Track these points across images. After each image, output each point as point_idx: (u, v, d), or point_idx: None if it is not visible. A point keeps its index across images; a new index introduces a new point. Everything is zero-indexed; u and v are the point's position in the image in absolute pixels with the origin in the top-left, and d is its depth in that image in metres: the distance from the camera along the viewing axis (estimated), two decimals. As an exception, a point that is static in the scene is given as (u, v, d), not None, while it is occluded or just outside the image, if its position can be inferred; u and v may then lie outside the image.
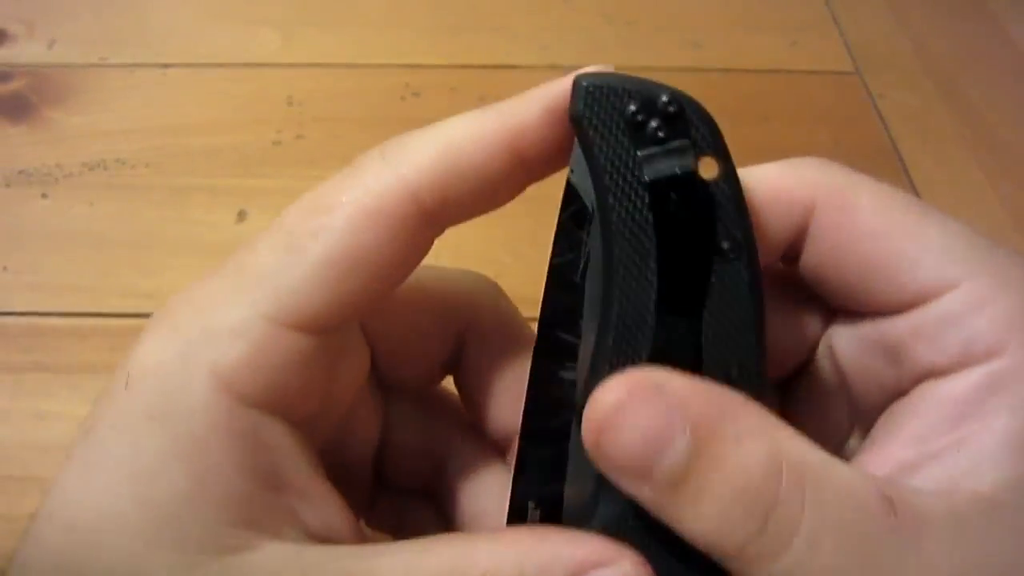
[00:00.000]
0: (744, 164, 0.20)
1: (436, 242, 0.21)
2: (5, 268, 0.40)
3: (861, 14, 0.57)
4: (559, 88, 0.19)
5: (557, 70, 0.50)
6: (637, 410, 0.16)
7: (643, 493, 0.16)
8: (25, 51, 0.51)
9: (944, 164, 0.47)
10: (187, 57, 0.51)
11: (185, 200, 0.43)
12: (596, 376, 0.17)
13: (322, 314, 0.18)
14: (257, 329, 0.18)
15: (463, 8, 0.55)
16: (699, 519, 0.16)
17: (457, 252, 0.42)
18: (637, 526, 0.17)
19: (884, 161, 0.47)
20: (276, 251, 0.18)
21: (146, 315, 0.38)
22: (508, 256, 0.41)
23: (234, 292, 0.18)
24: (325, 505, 0.19)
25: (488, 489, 0.23)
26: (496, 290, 0.24)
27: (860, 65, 0.53)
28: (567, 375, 0.19)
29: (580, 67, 0.20)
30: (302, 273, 0.18)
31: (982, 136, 0.49)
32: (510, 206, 0.44)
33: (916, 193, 0.45)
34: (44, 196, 0.43)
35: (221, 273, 0.19)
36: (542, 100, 0.19)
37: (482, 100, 0.49)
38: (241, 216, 0.43)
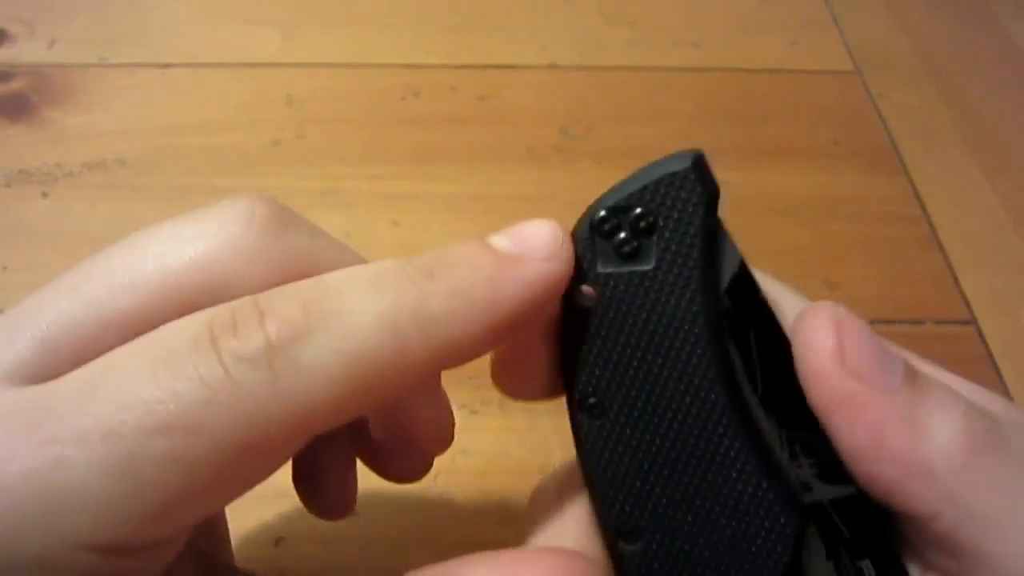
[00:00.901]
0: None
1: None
2: (5, 268, 0.40)
3: (861, 14, 0.57)
4: (504, 302, 0.16)
5: (557, 70, 0.50)
6: (853, 330, 0.16)
7: (890, 404, 0.16)
8: (25, 51, 0.51)
9: (944, 164, 0.47)
10: (187, 57, 0.51)
11: (185, 200, 0.43)
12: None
13: (156, 541, 0.15)
14: (75, 561, 0.14)
15: (463, 8, 0.55)
16: (947, 417, 0.16)
17: (457, 252, 0.42)
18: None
19: (884, 161, 0.47)
20: (98, 470, 0.14)
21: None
22: (508, 256, 0.40)
23: (37, 518, 0.14)
24: None
25: None
26: None
27: (860, 65, 0.53)
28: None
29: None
30: (135, 509, 0.14)
31: (982, 136, 0.49)
32: (510, 206, 0.44)
33: (916, 193, 0.45)
34: (44, 196, 0.43)
35: (10, 491, 0.14)
36: (484, 317, 0.15)
37: (482, 100, 0.50)
38: (241, 216, 0.43)
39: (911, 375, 0.16)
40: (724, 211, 0.18)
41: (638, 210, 0.17)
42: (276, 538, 0.30)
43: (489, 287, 0.15)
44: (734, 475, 0.17)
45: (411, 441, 0.21)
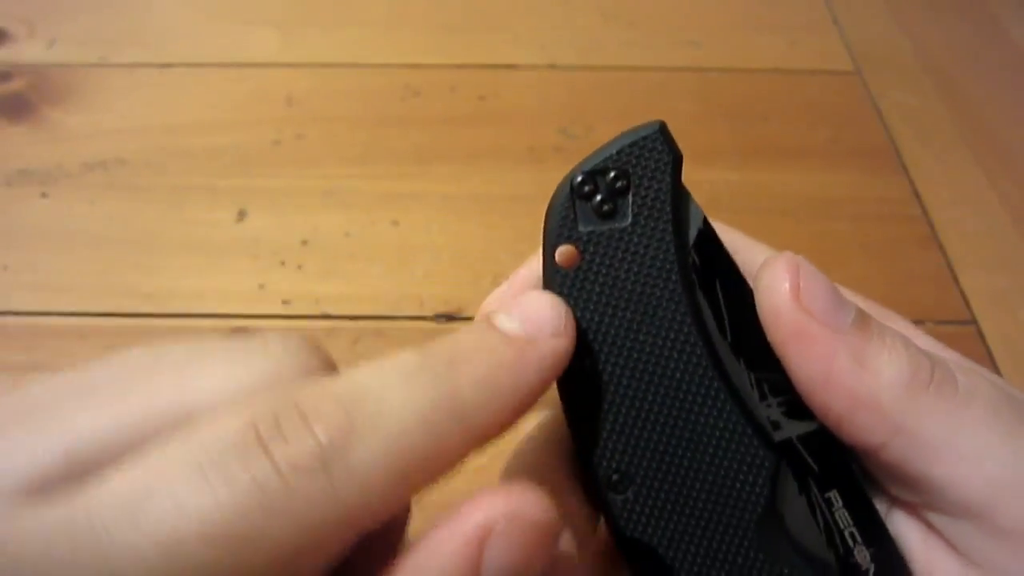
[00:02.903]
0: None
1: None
2: (5, 268, 0.40)
3: (861, 14, 0.57)
4: (525, 384, 0.16)
5: (557, 70, 0.50)
6: (808, 274, 0.18)
7: (839, 340, 0.17)
8: (25, 51, 0.51)
9: (944, 164, 0.47)
10: (187, 57, 0.51)
11: (185, 200, 0.43)
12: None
13: None
14: None
15: (463, 8, 0.55)
16: (892, 356, 0.17)
17: (457, 252, 0.42)
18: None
19: (884, 161, 0.47)
20: None
21: (146, 315, 0.38)
22: (508, 256, 0.41)
23: None
24: None
25: None
26: None
27: (860, 65, 0.53)
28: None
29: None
30: None
31: (982, 136, 0.49)
32: (510, 205, 0.44)
33: (916, 193, 0.45)
34: (44, 196, 0.43)
35: None
36: (510, 400, 0.16)
37: (482, 100, 0.50)
38: (241, 216, 0.43)
39: (863, 319, 0.18)
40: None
41: (613, 172, 0.18)
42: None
43: (511, 373, 0.16)
44: (713, 417, 0.19)
45: None
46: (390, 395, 0.15)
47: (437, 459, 0.15)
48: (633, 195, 0.18)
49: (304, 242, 0.42)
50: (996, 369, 0.38)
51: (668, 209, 0.18)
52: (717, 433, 0.18)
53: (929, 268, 0.42)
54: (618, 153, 0.18)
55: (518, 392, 0.16)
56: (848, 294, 0.21)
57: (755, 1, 0.57)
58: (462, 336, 0.17)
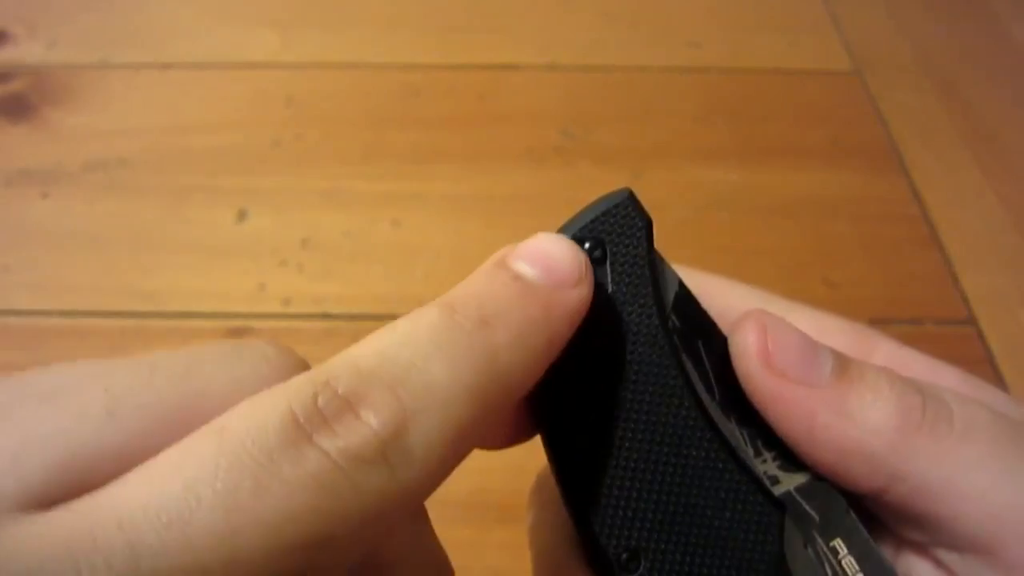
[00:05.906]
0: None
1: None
2: (5, 268, 0.40)
3: (861, 14, 0.57)
4: (557, 338, 0.16)
5: (557, 70, 0.50)
6: (778, 333, 0.18)
7: (819, 397, 0.17)
8: (25, 51, 0.51)
9: (944, 164, 0.47)
10: (187, 57, 0.51)
11: (185, 200, 0.43)
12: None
13: None
14: None
15: (463, 8, 0.55)
16: (878, 401, 0.17)
17: (458, 252, 0.42)
18: None
19: (884, 161, 0.47)
20: None
21: (146, 315, 0.38)
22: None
23: None
24: None
25: None
26: None
27: (860, 65, 0.53)
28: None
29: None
30: None
31: (982, 136, 0.49)
32: (510, 205, 0.44)
33: (916, 193, 0.45)
34: (44, 196, 0.43)
35: None
36: (544, 355, 0.16)
37: (482, 100, 0.50)
38: (241, 216, 0.43)
39: (842, 367, 0.18)
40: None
41: (588, 243, 0.18)
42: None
43: (543, 330, 0.16)
44: (716, 480, 0.18)
45: None
46: (433, 368, 0.14)
47: (482, 425, 0.15)
48: (611, 264, 0.18)
49: (304, 242, 0.42)
50: (996, 369, 0.38)
51: (647, 275, 0.18)
52: (722, 495, 0.18)
53: (929, 268, 0.42)
54: (591, 223, 0.18)
55: (550, 347, 0.16)
56: (829, 320, 0.20)
57: (755, 1, 0.57)
58: (482, 286, 0.16)
